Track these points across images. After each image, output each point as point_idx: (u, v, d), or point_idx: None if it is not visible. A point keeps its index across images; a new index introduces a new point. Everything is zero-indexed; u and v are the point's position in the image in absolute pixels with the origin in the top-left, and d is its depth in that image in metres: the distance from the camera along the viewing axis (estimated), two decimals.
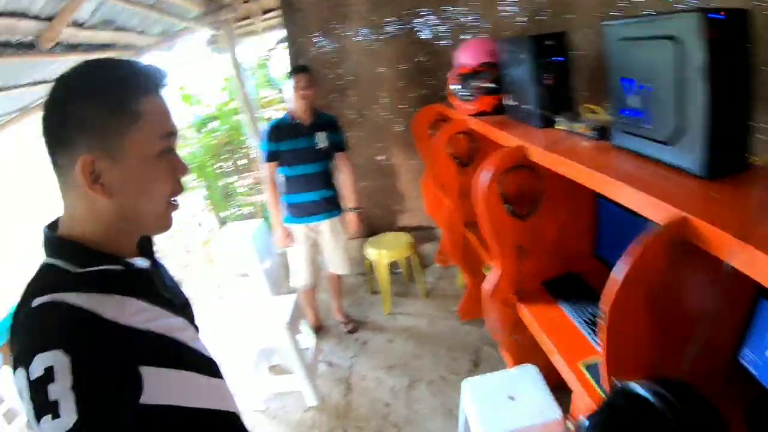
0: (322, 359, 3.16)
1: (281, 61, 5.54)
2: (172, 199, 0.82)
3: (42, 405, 0.59)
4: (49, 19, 2.54)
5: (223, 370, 0.89)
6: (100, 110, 0.73)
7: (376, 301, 3.74)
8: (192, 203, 6.07)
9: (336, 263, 3.20)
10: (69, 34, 2.82)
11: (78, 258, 0.74)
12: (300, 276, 3.19)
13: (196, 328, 0.93)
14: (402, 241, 3.68)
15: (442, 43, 3.46)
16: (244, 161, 5.96)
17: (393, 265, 3.68)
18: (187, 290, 0.98)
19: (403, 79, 3.64)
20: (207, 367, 0.84)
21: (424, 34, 3.51)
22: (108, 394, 0.62)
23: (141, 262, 0.83)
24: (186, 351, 0.81)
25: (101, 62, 0.76)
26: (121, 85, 0.75)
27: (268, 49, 5.80)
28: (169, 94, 0.81)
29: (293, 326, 2.74)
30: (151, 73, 0.79)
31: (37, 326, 0.66)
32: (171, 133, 0.80)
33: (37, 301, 0.68)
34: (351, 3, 3.54)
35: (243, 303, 3.53)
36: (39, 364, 0.61)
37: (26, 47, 2.74)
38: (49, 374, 0.60)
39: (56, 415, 0.58)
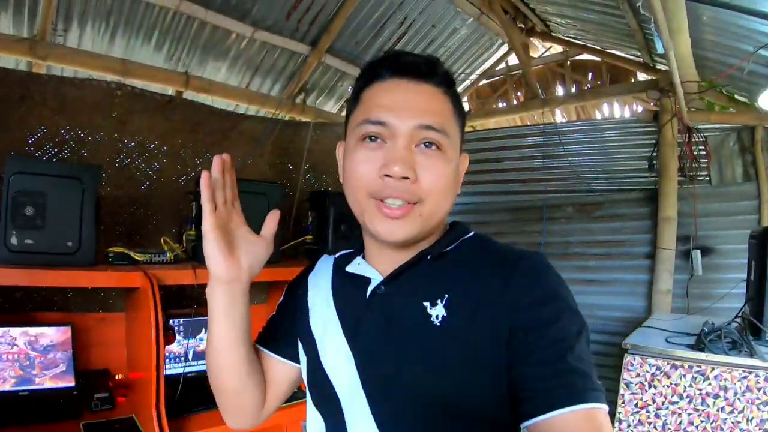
0: None
1: None
2: (377, 196, 0.74)
3: None
4: None
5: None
6: (351, 102, 0.84)
7: None
8: None
9: None
10: None
11: None
12: None
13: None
14: None
15: None
16: None
17: None
18: None
19: None
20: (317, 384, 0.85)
21: None
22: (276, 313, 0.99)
23: (356, 267, 0.85)
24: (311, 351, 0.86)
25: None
26: (360, 76, 0.82)
27: None
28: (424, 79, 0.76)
29: None
30: (385, 59, 0.78)
31: None
32: (373, 122, 0.74)
33: None
34: None
35: None
36: None
37: None
38: None
39: None
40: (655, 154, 3.01)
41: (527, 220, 3.56)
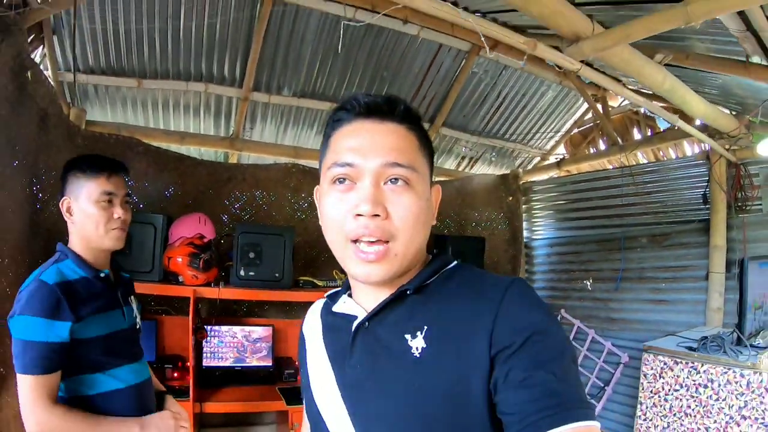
0: None
1: None
2: (354, 238, 0.80)
3: None
4: None
5: None
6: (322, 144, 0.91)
7: None
8: None
9: None
10: None
11: None
12: None
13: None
14: None
15: None
16: None
17: None
18: None
19: None
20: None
21: None
22: None
23: (342, 305, 0.95)
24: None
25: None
26: (328, 122, 0.89)
27: None
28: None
29: None
30: (347, 102, 0.85)
31: None
32: (341, 164, 0.81)
33: None
34: None
35: None
36: None
37: None
38: None
39: None
40: (707, 189, 3.63)
41: (610, 249, 4.28)
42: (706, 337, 2.69)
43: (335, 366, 0.89)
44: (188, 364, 2.90)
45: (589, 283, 4.46)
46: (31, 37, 3.06)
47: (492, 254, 4.65)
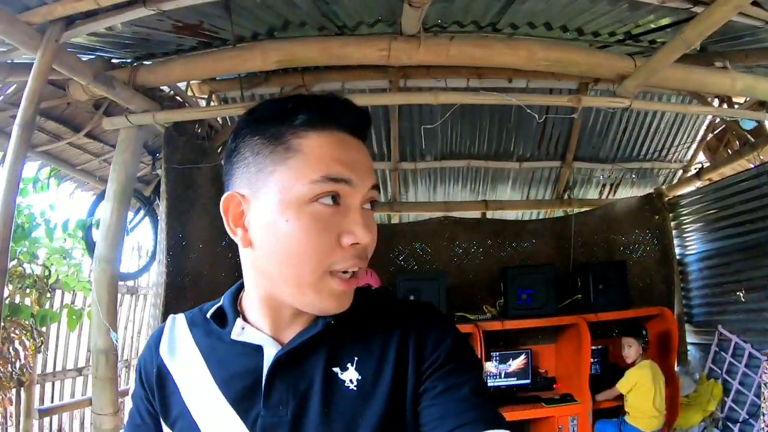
0: None
1: None
2: (336, 269, 0.71)
3: None
4: None
5: None
6: (256, 143, 0.73)
7: None
8: None
9: None
10: None
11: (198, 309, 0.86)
12: None
13: None
14: None
15: None
16: None
17: None
18: None
19: None
20: None
21: None
22: None
23: (241, 333, 0.79)
24: None
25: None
26: (278, 118, 0.73)
27: None
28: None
29: None
30: (327, 105, 0.73)
31: None
32: (337, 179, 0.69)
33: None
34: None
35: None
36: None
37: None
38: None
39: None
40: None
41: (757, 255, 4.09)
42: None
43: (240, 408, 0.77)
44: None
45: (742, 295, 4.28)
46: None
47: (644, 276, 4.79)
